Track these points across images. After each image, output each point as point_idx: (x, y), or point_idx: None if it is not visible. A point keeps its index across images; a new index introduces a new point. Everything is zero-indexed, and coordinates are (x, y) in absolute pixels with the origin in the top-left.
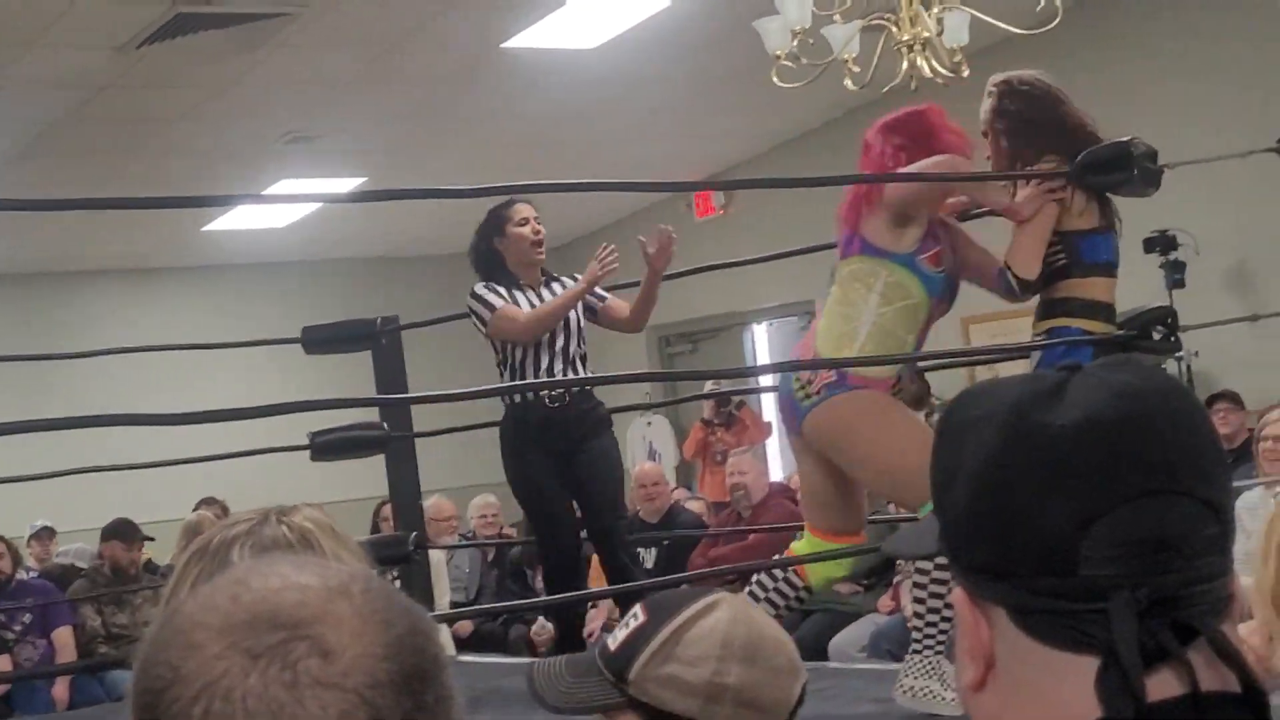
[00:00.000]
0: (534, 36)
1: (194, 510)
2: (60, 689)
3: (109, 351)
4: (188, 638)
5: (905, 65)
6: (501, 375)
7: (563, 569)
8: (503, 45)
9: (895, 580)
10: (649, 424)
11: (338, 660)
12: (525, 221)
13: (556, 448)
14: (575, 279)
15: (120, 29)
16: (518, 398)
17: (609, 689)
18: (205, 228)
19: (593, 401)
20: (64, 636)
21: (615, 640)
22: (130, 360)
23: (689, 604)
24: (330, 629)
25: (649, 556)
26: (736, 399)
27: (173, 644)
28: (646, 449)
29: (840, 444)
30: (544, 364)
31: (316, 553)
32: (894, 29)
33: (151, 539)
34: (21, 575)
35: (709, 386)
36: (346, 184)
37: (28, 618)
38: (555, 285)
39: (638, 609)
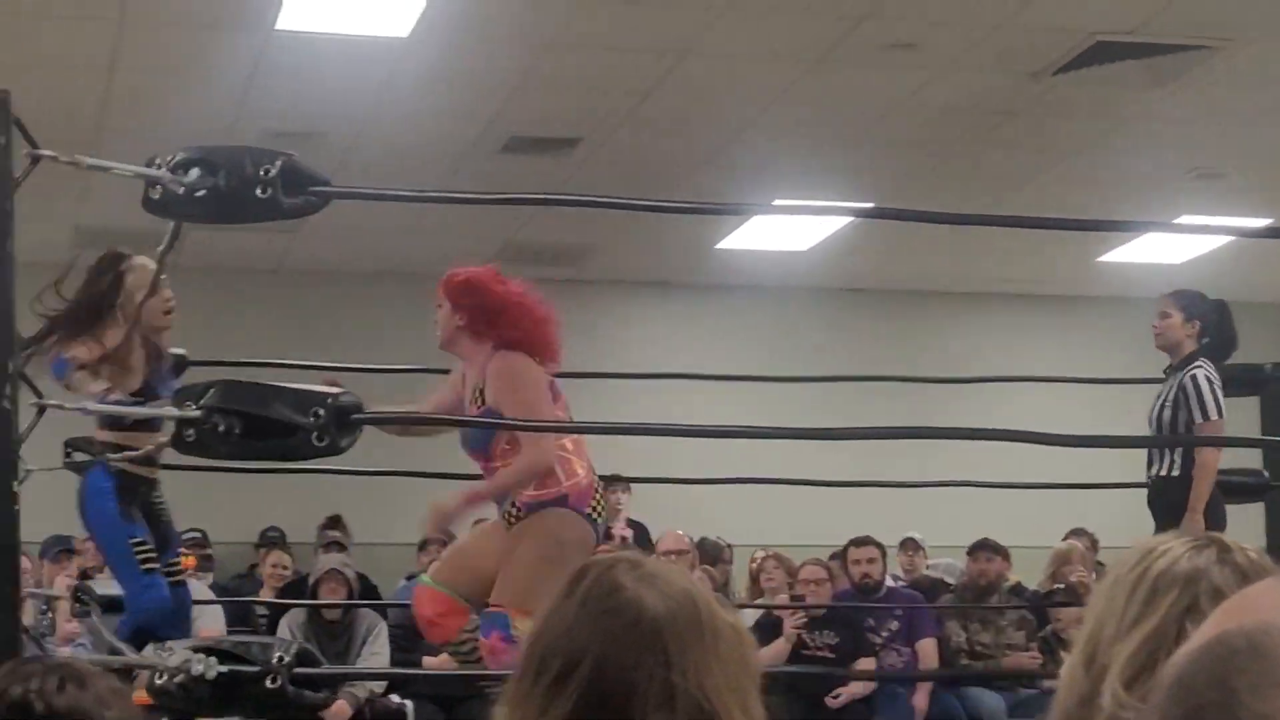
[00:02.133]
0: None
1: (1063, 539)
2: (921, 697)
3: (991, 379)
4: None
5: None
6: None
7: None
8: None
9: None
10: None
11: None
12: None
13: None
14: None
15: (1039, 55)
16: None
17: None
18: (1099, 258)
19: None
20: (928, 648)
21: None
22: (1007, 388)
23: None
24: None
25: None
26: None
27: None
28: None
29: None
30: None
31: None
32: None
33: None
34: (889, 583)
35: None
36: (1252, 225)
37: (894, 625)
38: None
39: None
